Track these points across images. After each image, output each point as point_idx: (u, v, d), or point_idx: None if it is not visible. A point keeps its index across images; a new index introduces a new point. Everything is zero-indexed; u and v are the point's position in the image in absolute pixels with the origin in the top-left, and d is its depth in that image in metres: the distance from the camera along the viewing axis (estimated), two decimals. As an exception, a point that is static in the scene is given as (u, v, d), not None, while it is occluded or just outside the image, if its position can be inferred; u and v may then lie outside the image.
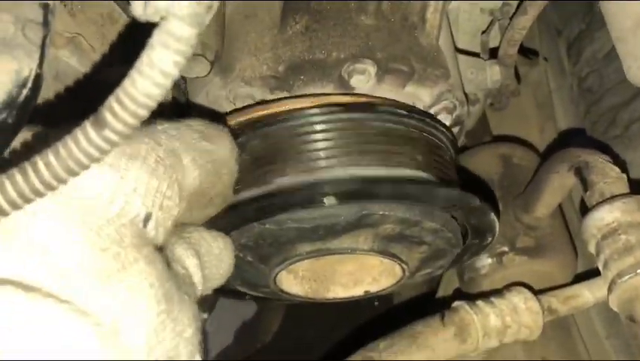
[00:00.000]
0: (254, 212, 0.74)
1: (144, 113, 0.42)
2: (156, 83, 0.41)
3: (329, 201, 0.73)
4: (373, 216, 0.77)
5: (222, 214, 0.70)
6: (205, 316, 0.57)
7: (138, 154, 0.52)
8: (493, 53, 1.03)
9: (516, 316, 0.85)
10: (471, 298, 0.89)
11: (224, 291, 0.91)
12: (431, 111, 0.87)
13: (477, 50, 1.03)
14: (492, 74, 1.02)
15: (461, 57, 0.99)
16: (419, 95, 0.86)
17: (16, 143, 0.52)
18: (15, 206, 0.43)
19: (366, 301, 0.97)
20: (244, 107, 0.81)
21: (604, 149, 0.94)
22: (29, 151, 0.50)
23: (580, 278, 0.94)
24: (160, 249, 0.53)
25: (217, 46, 0.84)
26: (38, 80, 0.53)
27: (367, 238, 0.80)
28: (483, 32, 1.04)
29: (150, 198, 0.51)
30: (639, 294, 0.77)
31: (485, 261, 1.00)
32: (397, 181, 0.75)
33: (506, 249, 1.00)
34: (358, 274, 0.90)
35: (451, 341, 0.84)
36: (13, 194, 0.42)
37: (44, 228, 0.46)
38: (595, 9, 1.06)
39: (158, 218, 0.52)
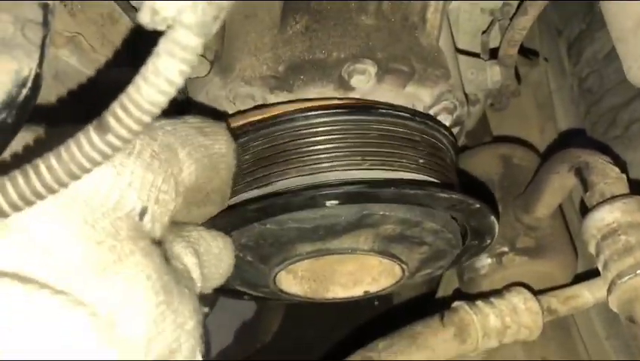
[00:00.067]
0: (255, 213, 0.74)
1: (148, 119, 0.42)
2: (161, 90, 0.41)
3: (330, 203, 0.73)
4: (373, 216, 0.77)
5: (223, 214, 0.70)
6: (207, 310, 0.58)
7: (134, 149, 0.52)
8: (493, 54, 1.03)
9: (515, 316, 0.85)
10: (471, 298, 0.89)
11: (223, 290, 0.91)
12: (431, 112, 0.87)
13: (478, 50, 1.03)
14: (493, 74, 1.02)
15: (462, 57, 0.99)
16: (420, 96, 0.85)
17: (16, 143, 0.52)
18: (16, 208, 0.43)
19: (366, 302, 0.97)
20: (247, 110, 0.81)
21: (604, 149, 0.94)
22: (29, 151, 0.50)
23: (580, 279, 0.93)
24: (158, 243, 0.53)
25: (217, 46, 0.84)
26: (37, 79, 0.53)
27: (367, 239, 0.80)
28: (484, 32, 1.04)
29: (146, 192, 0.52)
30: (639, 295, 0.77)
31: (485, 261, 1.00)
32: (398, 184, 0.75)
33: (506, 249, 1.00)
34: (357, 274, 0.90)
35: (450, 342, 0.84)
36: (14, 196, 0.42)
37: (39, 222, 0.46)
38: (596, 9, 1.06)
39: (154, 212, 0.52)
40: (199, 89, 0.85)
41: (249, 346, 1.45)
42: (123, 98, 0.41)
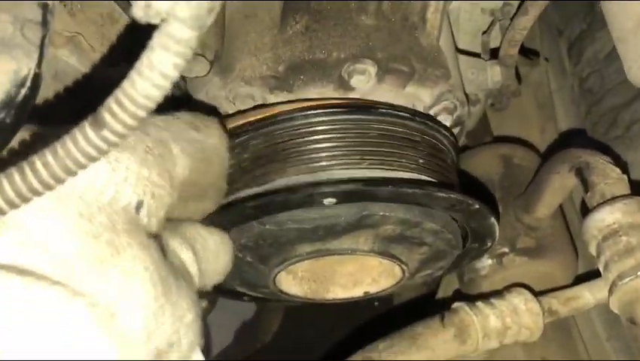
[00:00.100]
0: (253, 210, 0.74)
1: (143, 114, 0.42)
2: (155, 84, 0.41)
3: (328, 201, 0.73)
4: (373, 217, 0.76)
5: (221, 211, 0.70)
6: (205, 304, 0.58)
7: (127, 144, 0.52)
8: (494, 54, 1.03)
9: (516, 317, 0.85)
10: (471, 299, 0.88)
11: (223, 291, 0.91)
12: (432, 112, 0.87)
13: (478, 50, 1.03)
14: (493, 74, 1.02)
15: (462, 57, 0.99)
16: (420, 96, 0.85)
17: (15, 142, 0.52)
18: (13, 205, 0.43)
19: (366, 302, 0.97)
20: (247, 110, 0.81)
21: (605, 150, 0.93)
22: (28, 150, 0.50)
23: (580, 280, 0.93)
24: (155, 237, 0.53)
25: (217, 45, 0.84)
26: (36, 79, 0.53)
27: (367, 239, 0.80)
28: (484, 32, 1.03)
29: (141, 186, 0.52)
30: (640, 296, 0.77)
31: (485, 262, 1.00)
32: (396, 183, 0.75)
33: (506, 250, 0.99)
34: (357, 274, 0.90)
35: (451, 342, 0.84)
36: (10, 193, 0.42)
37: (36, 217, 0.46)
38: (597, 9, 1.05)
39: (150, 206, 0.52)
40: (199, 88, 0.85)
41: (249, 346, 1.45)
42: (118, 93, 0.41)
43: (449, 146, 0.86)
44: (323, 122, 0.76)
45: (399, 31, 0.84)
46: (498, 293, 0.89)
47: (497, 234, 0.86)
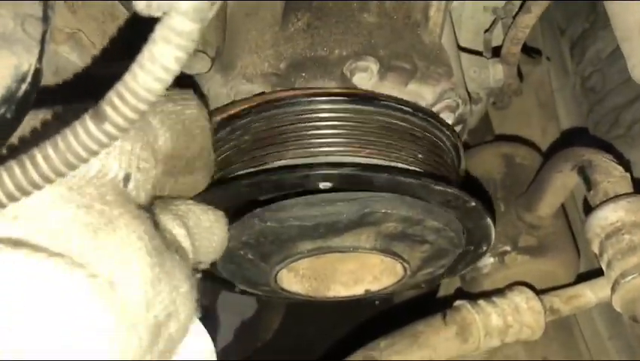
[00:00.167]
0: (248, 188, 0.74)
1: (145, 107, 0.42)
2: (157, 77, 0.41)
3: (324, 185, 0.72)
4: (375, 214, 0.76)
5: (215, 189, 0.70)
6: (199, 276, 0.58)
7: None
8: (496, 52, 1.03)
9: (517, 315, 0.85)
10: (473, 297, 0.88)
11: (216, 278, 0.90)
12: (434, 109, 0.87)
13: (480, 48, 1.03)
14: (495, 72, 1.01)
15: (464, 55, 0.99)
16: (422, 93, 0.85)
17: (14, 138, 0.52)
18: (13, 198, 0.43)
19: (367, 300, 0.97)
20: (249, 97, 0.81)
21: (607, 148, 0.93)
22: (26, 145, 0.49)
23: (582, 278, 0.93)
24: (146, 210, 0.53)
25: (219, 43, 0.84)
26: (37, 75, 0.53)
27: (369, 237, 0.79)
28: (486, 31, 1.03)
29: (126, 159, 0.52)
30: (643, 294, 0.77)
31: (487, 260, 0.99)
32: (392, 171, 0.75)
33: (508, 248, 0.99)
34: (358, 272, 0.90)
35: (452, 341, 0.84)
36: (10, 187, 0.42)
37: None
38: (599, 8, 1.05)
39: (137, 179, 0.53)
40: (200, 86, 0.85)
41: (249, 344, 1.44)
42: (120, 86, 0.41)
43: (450, 146, 0.85)
44: (325, 109, 0.76)
45: (401, 29, 0.83)
46: (499, 292, 0.89)
47: (493, 236, 0.85)
